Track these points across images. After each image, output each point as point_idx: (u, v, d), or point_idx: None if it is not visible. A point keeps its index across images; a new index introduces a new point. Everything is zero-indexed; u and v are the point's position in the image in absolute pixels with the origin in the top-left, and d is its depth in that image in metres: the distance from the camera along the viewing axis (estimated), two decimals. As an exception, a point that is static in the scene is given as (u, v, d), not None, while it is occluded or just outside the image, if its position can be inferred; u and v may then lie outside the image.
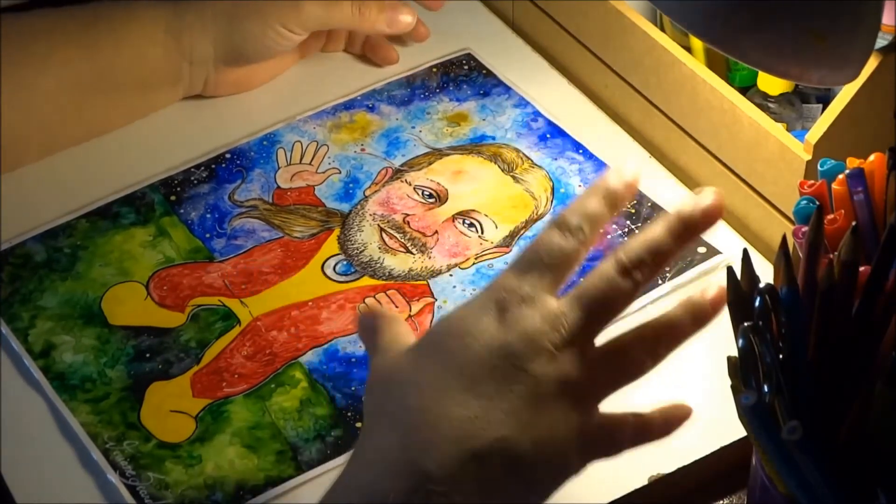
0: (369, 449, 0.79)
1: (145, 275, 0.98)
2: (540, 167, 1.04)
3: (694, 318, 0.75)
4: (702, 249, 0.97)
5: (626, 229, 0.99)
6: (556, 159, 1.05)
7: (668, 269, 0.96)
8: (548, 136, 1.06)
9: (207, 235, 1.00)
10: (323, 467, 0.87)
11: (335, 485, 0.81)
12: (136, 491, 0.86)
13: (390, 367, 0.77)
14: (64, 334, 0.94)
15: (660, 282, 0.96)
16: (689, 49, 1.01)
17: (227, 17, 1.05)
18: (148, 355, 0.93)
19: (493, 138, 1.06)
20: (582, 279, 0.75)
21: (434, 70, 1.12)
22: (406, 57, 1.13)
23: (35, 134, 1.03)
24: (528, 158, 1.05)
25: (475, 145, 1.06)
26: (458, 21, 1.15)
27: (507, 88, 1.10)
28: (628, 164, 0.77)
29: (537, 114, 1.08)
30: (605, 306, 0.74)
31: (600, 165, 1.04)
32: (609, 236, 0.99)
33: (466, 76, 1.11)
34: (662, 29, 1.02)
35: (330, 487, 0.81)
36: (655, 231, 0.75)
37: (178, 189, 1.03)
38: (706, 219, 0.74)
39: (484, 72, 1.11)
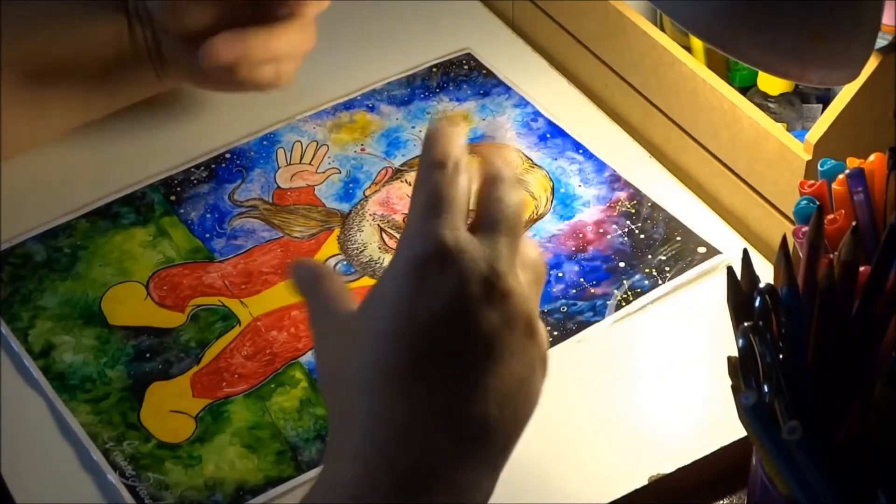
0: (347, 446, 0.75)
1: (145, 275, 0.98)
2: (540, 167, 1.04)
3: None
4: (702, 249, 0.97)
5: (626, 229, 0.99)
6: (556, 159, 1.04)
7: (668, 268, 0.96)
8: (548, 135, 1.06)
9: (207, 235, 1.00)
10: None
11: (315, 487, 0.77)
12: (136, 491, 0.86)
13: (343, 345, 0.74)
14: (64, 334, 0.94)
15: (660, 282, 0.96)
16: (689, 49, 1.01)
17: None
18: (148, 355, 0.93)
19: (494, 138, 1.06)
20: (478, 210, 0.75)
21: (434, 70, 1.12)
22: (406, 57, 1.13)
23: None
24: (528, 158, 1.05)
25: (474, 145, 1.05)
26: (458, 21, 1.15)
27: (507, 88, 1.10)
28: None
29: (537, 114, 1.08)
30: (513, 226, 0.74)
31: (601, 165, 1.04)
32: (609, 236, 0.99)
33: (466, 76, 1.11)
34: (662, 29, 1.02)
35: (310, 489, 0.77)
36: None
37: (178, 189, 1.03)
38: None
39: (484, 72, 1.11)
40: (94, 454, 0.88)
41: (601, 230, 0.99)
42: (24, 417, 0.90)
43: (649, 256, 0.97)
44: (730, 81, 0.99)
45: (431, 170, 0.74)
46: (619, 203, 1.01)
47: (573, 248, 0.98)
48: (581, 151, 1.05)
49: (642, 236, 0.99)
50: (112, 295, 0.97)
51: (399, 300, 0.72)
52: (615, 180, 1.03)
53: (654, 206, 1.00)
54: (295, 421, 0.89)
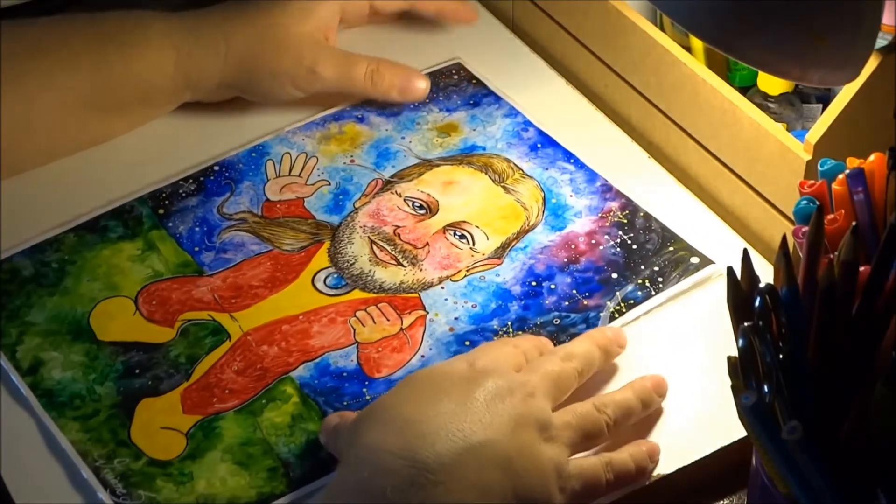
0: (363, 448, 0.79)
1: (134, 289, 0.97)
2: (531, 177, 1.03)
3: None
4: (695, 259, 0.97)
5: (619, 240, 0.98)
6: (547, 169, 1.04)
7: (660, 279, 0.96)
8: (539, 145, 1.06)
9: (196, 249, 1.00)
10: (315, 484, 0.86)
11: (332, 486, 0.81)
12: (127, 509, 0.85)
13: (370, 407, 0.83)
14: (52, 350, 0.93)
15: (653, 293, 0.95)
16: (689, 49, 1.00)
17: (238, 63, 1.04)
18: (137, 371, 0.92)
19: (484, 148, 1.06)
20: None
21: (423, 80, 1.11)
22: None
23: (33, 144, 1.03)
24: (519, 168, 1.04)
25: (465, 156, 1.05)
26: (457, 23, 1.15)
27: (498, 98, 1.09)
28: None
29: (528, 123, 1.07)
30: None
31: (592, 175, 1.03)
32: (601, 247, 0.98)
33: (456, 86, 1.10)
34: (662, 29, 1.01)
35: (327, 489, 0.81)
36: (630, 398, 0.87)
37: (167, 202, 1.02)
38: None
39: (474, 81, 1.11)
40: (84, 472, 0.87)
41: (593, 241, 0.99)
42: (11, 435, 0.89)
43: (642, 267, 0.97)
44: (730, 81, 0.99)
45: (571, 358, 0.87)
46: (612, 213, 1.00)
47: (565, 260, 0.98)
48: (572, 161, 1.04)
49: (635, 247, 0.98)
50: (100, 310, 0.96)
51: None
52: (607, 190, 1.02)
53: (647, 216, 1.00)
54: (287, 437, 0.89)
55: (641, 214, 1.00)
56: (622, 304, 0.95)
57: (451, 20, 1.13)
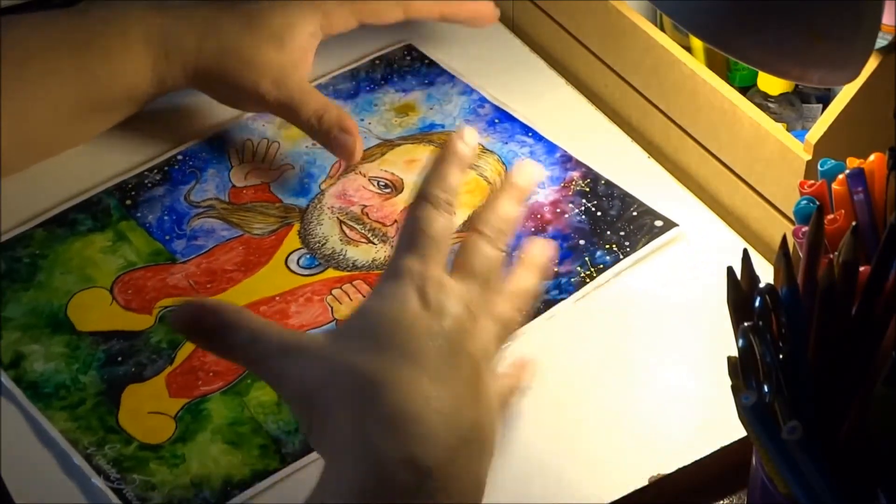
0: (355, 444, 0.76)
1: (108, 280, 0.98)
2: (491, 152, 1.05)
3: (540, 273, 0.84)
4: (658, 223, 0.99)
5: (583, 207, 1.01)
6: (506, 143, 1.06)
7: (627, 243, 0.98)
8: (496, 120, 1.07)
9: (167, 237, 1.00)
10: (307, 458, 0.87)
11: (324, 482, 0.78)
12: (123, 494, 0.86)
13: (333, 367, 0.76)
14: (32, 343, 0.94)
15: (621, 256, 0.97)
16: (689, 49, 1.01)
17: (205, 73, 1.03)
18: (120, 359, 0.93)
19: (443, 126, 1.07)
20: (457, 256, 0.80)
21: (376, 62, 1.12)
22: (346, 51, 1.13)
23: (28, 150, 1.02)
24: (479, 144, 1.06)
25: (425, 134, 1.07)
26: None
27: (452, 77, 1.11)
28: (464, 127, 0.84)
29: (483, 100, 1.09)
30: (488, 278, 0.80)
31: (551, 147, 1.05)
32: (567, 215, 1.00)
33: (409, 67, 1.12)
34: (662, 29, 1.02)
35: (319, 484, 0.79)
36: (503, 201, 0.82)
37: (133, 193, 1.03)
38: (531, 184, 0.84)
39: (426, 62, 1.12)
40: (77, 460, 0.87)
41: (558, 210, 1.01)
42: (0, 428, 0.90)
43: (608, 233, 0.99)
44: (730, 81, 0.99)
45: (421, 204, 0.79)
46: (574, 182, 1.02)
47: (533, 229, 1.00)
48: (530, 134, 1.06)
49: (599, 213, 1.00)
50: (77, 302, 0.97)
51: (394, 315, 0.76)
52: (567, 160, 1.04)
53: (609, 184, 1.02)
54: (275, 414, 0.90)
55: (603, 182, 1.02)
56: (592, 269, 0.97)
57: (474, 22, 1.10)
